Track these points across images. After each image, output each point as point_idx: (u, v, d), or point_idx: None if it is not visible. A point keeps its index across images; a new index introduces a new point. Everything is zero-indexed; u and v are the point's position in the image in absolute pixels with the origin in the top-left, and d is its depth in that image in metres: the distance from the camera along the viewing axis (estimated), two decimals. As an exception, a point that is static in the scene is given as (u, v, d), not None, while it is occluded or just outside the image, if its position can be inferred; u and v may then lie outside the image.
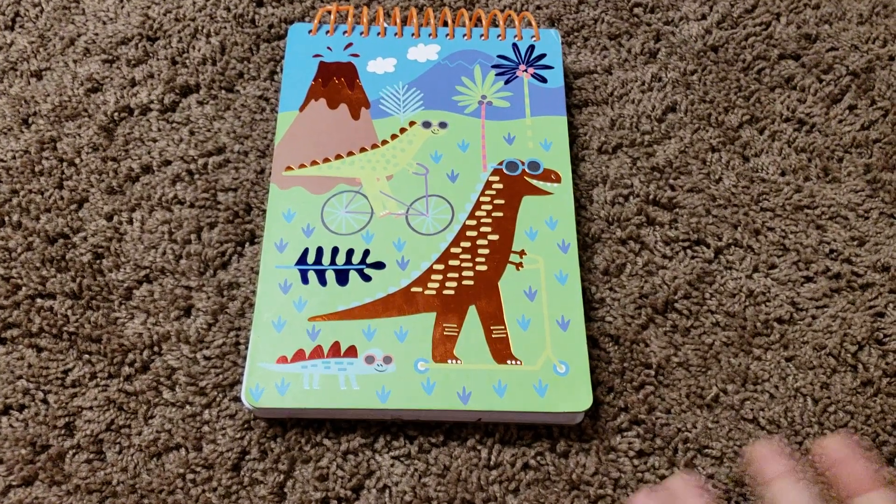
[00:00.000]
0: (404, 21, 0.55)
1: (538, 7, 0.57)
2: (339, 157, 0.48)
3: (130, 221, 0.47)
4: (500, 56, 0.52)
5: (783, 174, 0.51)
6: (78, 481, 0.40)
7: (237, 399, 0.42)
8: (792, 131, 0.53)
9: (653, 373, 0.44)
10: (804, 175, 0.51)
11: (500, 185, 0.47)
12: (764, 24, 0.58)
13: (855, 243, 0.49)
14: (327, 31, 0.52)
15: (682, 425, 0.43)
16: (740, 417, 0.43)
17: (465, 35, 0.53)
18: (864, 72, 0.55)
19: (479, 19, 0.54)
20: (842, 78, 0.55)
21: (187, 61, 0.53)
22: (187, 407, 0.42)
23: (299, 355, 0.41)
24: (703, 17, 0.58)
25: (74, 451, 0.41)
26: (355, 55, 0.51)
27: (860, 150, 0.52)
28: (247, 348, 0.43)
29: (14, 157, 0.49)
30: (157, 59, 0.53)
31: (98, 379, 0.43)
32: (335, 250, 0.44)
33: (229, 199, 0.48)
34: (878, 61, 0.56)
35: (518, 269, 0.44)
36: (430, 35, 0.52)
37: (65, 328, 0.44)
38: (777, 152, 0.52)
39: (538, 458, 0.41)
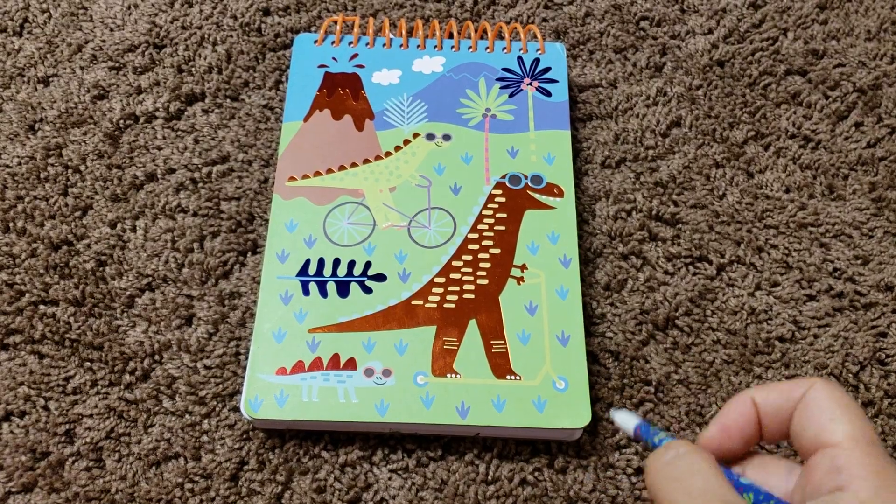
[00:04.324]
0: (410, 33, 0.55)
1: (544, 20, 0.57)
2: (342, 168, 0.48)
3: (134, 229, 0.48)
4: (504, 69, 0.52)
5: (787, 191, 0.51)
6: (77, 489, 0.40)
7: (236, 409, 0.42)
8: (797, 148, 0.53)
9: (652, 390, 0.44)
10: (809, 192, 0.51)
11: (503, 199, 0.47)
12: (771, 39, 0.57)
13: (859, 262, 0.48)
14: (333, 42, 0.53)
15: (681, 443, 0.42)
16: (740, 436, 0.43)
17: (470, 47, 0.53)
18: (871, 89, 0.55)
19: (484, 32, 0.54)
20: (848, 94, 0.55)
21: (193, 69, 0.54)
22: (187, 416, 0.42)
23: (299, 367, 0.41)
24: (710, 31, 0.58)
25: (74, 458, 0.41)
26: (360, 66, 0.52)
27: (866, 168, 0.52)
28: (247, 358, 0.43)
29: (20, 163, 0.49)
30: (164, 67, 0.54)
31: (99, 387, 0.43)
32: (337, 261, 0.45)
33: (232, 208, 0.48)
34: (885, 78, 0.56)
35: (519, 284, 0.44)
36: (435, 47, 0.53)
37: (67, 335, 0.44)
38: (782, 169, 0.52)
39: (536, 473, 0.41)
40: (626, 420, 0.29)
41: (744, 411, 0.27)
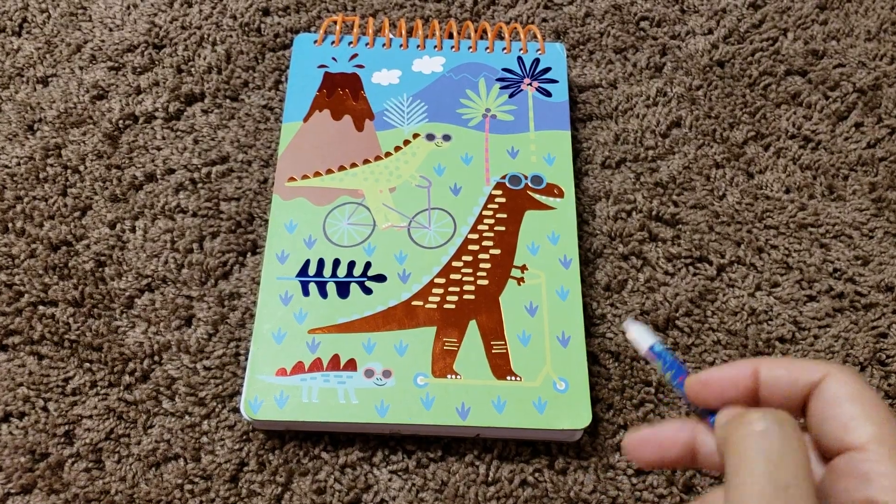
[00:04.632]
0: (410, 33, 0.55)
1: (544, 20, 0.57)
2: (342, 168, 0.48)
3: (133, 230, 0.47)
4: (504, 69, 0.52)
5: (787, 192, 0.51)
6: (76, 490, 0.40)
7: (236, 410, 0.42)
8: (797, 148, 0.53)
9: (653, 390, 0.44)
10: (809, 193, 0.51)
11: (503, 199, 0.47)
12: (771, 39, 0.57)
13: (859, 262, 0.48)
14: (333, 42, 0.52)
15: (682, 444, 0.42)
16: (740, 437, 0.43)
17: (470, 48, 0.53)
18: (871, 89, 0.55)
19: (484, 32, 0.54)
20: (848, 95, 0.55)
21: (192, 69, 0.53)
22: (186, 417, 0.42)
23: (299, 368, 0.41)
24: (710, 31, 0.58)
25: (73, 459, 0.41)
26: (360, 66, 0.51)
27: (866, 169, 0.52)
28: (247, 359, 0.43)
29: (19, 164, 0.49)
30: (163, 67, 0.53)
31: (98, 387, 0.43)
32: (336, 262, 0.44)
33: (232, 208, 0.48)
34: (885, 78, 0.56)
35: (519, 284, 0.44)
36: (435, 47, 0.52)
37: (66, 336, 0.44)
38: (782, 169, 0.52)
39: (536, 474, 0.41)
40: (640, 336, 0.27)
41: (736, 378, 0.25)
